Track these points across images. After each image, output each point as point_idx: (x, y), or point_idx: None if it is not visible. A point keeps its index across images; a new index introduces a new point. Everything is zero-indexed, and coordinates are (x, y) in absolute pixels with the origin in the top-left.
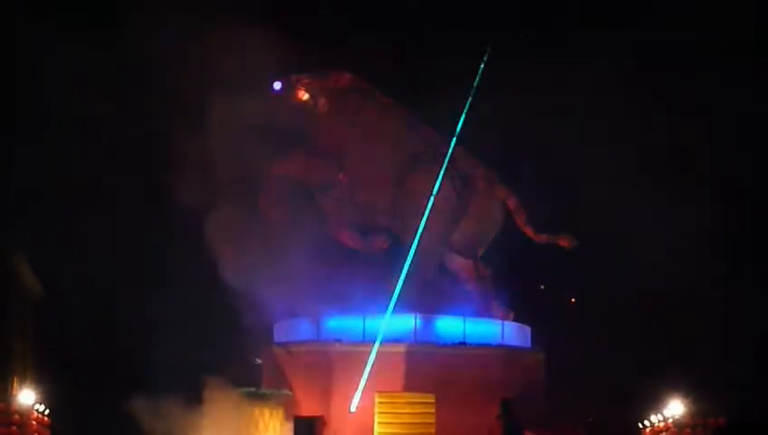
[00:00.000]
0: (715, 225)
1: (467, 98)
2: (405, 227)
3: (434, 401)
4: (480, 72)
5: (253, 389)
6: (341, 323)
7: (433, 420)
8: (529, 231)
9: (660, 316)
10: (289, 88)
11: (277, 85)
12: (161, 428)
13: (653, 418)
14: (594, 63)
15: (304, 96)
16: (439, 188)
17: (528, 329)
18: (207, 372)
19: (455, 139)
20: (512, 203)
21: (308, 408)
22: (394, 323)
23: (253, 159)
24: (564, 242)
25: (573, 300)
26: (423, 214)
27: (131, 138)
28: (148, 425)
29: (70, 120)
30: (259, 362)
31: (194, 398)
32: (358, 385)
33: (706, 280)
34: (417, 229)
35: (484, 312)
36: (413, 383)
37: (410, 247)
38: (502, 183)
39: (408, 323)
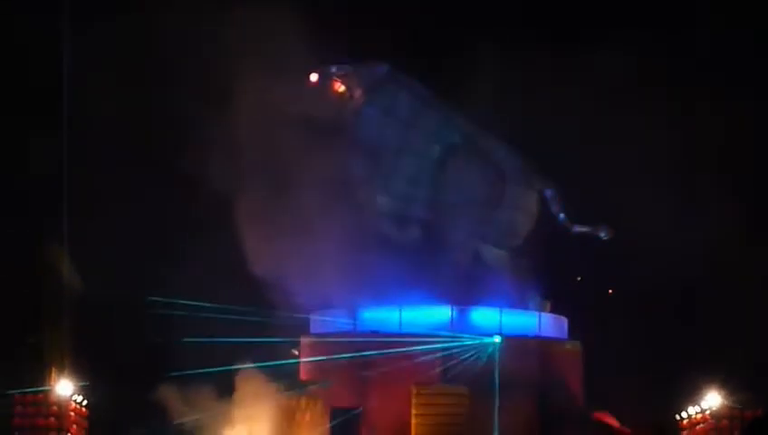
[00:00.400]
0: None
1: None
2: (439, 218)
3: (468, 393)
4: None
5: (288, 381)
6: (378, 315)
7: (468, 412)
8: (565, 223)
9: (698, 308)
10: (325, 79)
11: (314, 77)
12: (194, 418)
13: (690, 409)
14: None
15: (341, 88)
16: (474, 179)
17: (565, 320)
18: (241, 364)
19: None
20: (548, 194)
21: (345, 399)
22: (430, 314)
23: (288, 149)
24: (599, 232)
25: (611, 291)
26: (457, 205)
27: (164, 127)
28: (180, 416)
29: (100, 108)
30: (296, 353)
31: (227, 389)
32: (394, 377)
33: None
34: (451, 221)
35: (520, 303)
36: (449, 375)
37: (445, 239)
38: (538, 174)
39: (444, 314)
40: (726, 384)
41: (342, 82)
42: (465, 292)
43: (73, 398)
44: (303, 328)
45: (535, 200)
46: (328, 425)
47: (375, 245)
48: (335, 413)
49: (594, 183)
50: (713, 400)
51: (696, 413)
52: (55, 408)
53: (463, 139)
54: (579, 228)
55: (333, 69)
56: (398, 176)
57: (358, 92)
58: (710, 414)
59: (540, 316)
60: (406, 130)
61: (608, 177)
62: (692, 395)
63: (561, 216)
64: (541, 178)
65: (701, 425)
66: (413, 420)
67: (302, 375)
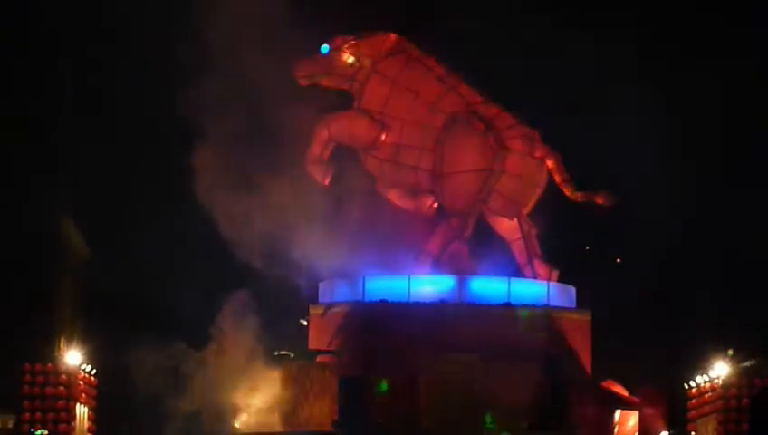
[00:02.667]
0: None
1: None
2: (441, 186)
3: (479, 361)
4: None
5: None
6: (386, 284)
7: (478, 380)
8: (567, 190)
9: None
10: (334, 50)
11: (325, 48)
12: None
13: (699, 379)
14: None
15: (349, 58)
16: (474, 147)
17: (573, 289)
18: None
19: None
20: (551, 162)
21: (353, 368)
22: (439, 283)
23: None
24: (601, 199)
25: (619, 259)
26: (458, 173)
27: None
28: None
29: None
30: (305, 323)
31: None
32: (403, 346)
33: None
34: (452, 189)
35: (528, 271)
36: (458, 344)
37: (449, 208)
38: (541, 142)
39: (452, 283)
40: (735, 353)
41: (351, 53)
42: (473, 261)
43: (82, 367)
44: (312, 297)
45: (540, 168)
46: (336, 394)
47: (382, 215)
48: (343, 382)
49: (601, 151)
50: (721, 369)
51: (705, 382)
52: (64, 377)
53: (465, 106)
54: (580, 196)
55: (341, 39)
56: (405, 145)
57: (366, 62)
58: (719, 383)
59: (548, 286)
60: (410, 99)
61: (614, 145)
62: (701, 364)
63: (565, 183)
64: (545, 146)
65: (709, 394)
66: (422, 389)
67: (311, 344)
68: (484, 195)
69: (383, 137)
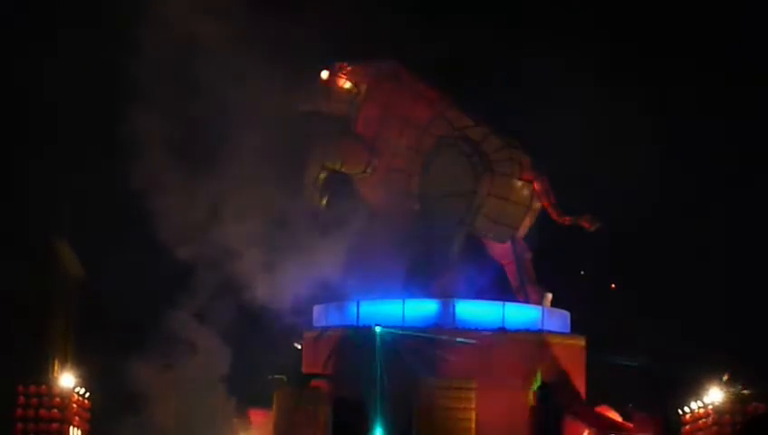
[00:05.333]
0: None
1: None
2: (426, 210)
3: (474, 386)
4: None
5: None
6: (380, 308)
7: (473, 406)
8: (554, 214)
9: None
10: (333, 75)
11: (324, 74)
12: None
13: (693, 404)
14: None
15: (346, 84)
16: (458, 170)
17: (567, 314)
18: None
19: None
20: (538, 185)
21: (347, 392)
22: (433, 307)
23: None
24: (586, 223)
25: (614, 286)
26: (444, 197)
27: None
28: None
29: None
30: (298, 346)
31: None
32: (398, 370)
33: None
34: (439, 213)
35: (521, 295)
36: (453, 369)
37: (439, 232)
38: (530, 164)
39: (446, 308)
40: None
41: (348, 78)
42: (468, 285)
43: (76, 390)
44: (306, 321)
45: (528, 191)
46: (330, 418)
47: (376, 239)
48: (337, 405)
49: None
50: (715, 395)
51: (699, 408)
52: (58, 400)
53: (453, 130)
54: (567, 219)
55: (339, 65)
56: (396, 169)
57: (363, 88)
58: (713, 409)
59: (543, 310)
60: (401, 124)
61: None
62: (695, 390)
63: (552, 207)
64: (532, 169)
65: (703, 420)
66: (418, 414)
67: (305, 368)
68: (469, 218)
69: (375, 163)
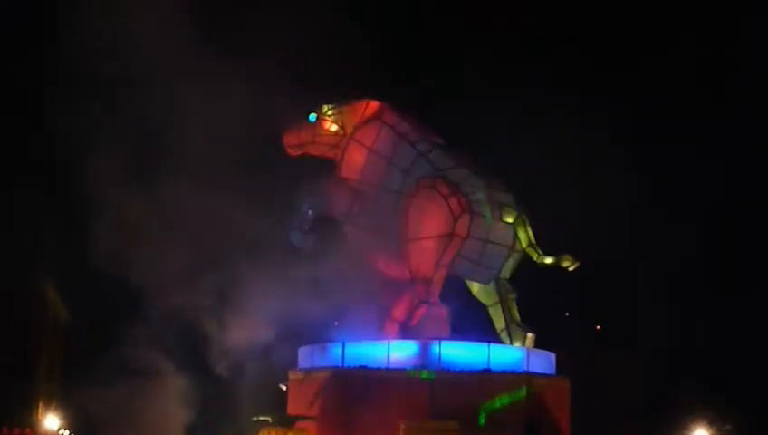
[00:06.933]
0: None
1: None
2: (406, 252)
3: (458, 428)
4: None
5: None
6: (365, 350)
7: None
8: (534, 255)
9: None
10: (319, 118)
11: (312, 117)
12: None
13: None
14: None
15: (332, 126)
16: (435, 212)
17: (553, 356)
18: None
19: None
20: (517, 227)
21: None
22: (418, 349)
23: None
24: (566, 263)
25: (599, 327)
26: (421, 239)
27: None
28: None
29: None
30: (284, 388)
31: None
32: (382, 413)
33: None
34: (416, 255)
35: (505, 337)
36: (437, 411)
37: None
38: (510, 207)
39: (431, 349)
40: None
41: (334, 120)
42: (451, 327)
43: (60, 432)
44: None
45: (509, 231)
46: None
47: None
48: None
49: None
50: None
51: None
52: None
53: (434, 170)
54: (547, 260)
55: (325, 108)
56: (379, 211)
57: (349, 130)
58: None
59: (528, 352)
60: (384, 165)
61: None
62: (681, 431)
63: (532, 247)
64: (513, 209)
65: None
66: None
67: (290, 410)
68: (446, 260)
69: (357, 206)
